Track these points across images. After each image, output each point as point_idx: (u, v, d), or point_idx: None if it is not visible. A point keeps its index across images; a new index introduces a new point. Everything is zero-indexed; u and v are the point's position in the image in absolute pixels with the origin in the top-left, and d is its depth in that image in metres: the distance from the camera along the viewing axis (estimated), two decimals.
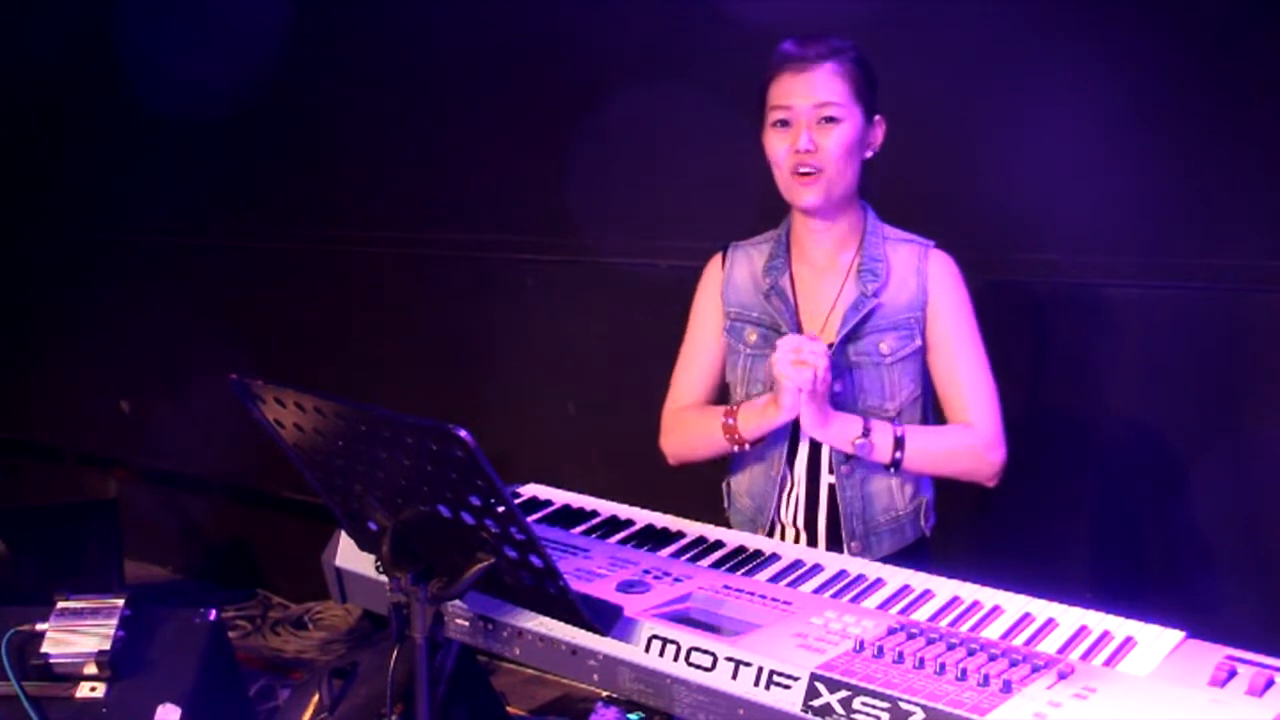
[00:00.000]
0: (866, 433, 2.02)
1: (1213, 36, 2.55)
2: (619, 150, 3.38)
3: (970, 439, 2.09)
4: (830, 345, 2.09)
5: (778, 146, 2.08)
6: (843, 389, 2.10)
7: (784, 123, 2.07)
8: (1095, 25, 2.66)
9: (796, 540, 2.18)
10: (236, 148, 4.25)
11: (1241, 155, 2.54)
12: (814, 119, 2.04)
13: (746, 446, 2.12)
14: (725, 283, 2.22)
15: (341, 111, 3.98)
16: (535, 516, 2.06)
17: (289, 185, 4.18)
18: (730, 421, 2.10)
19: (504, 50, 3.58)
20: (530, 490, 2.20)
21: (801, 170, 2.05)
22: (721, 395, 2.28)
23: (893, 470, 2.07)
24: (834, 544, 2.16)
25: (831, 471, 2.13)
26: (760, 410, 2.07)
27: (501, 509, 1.46)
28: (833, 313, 2.14)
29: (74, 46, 4.53)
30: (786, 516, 2.18)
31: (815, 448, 2.14)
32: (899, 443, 2.04)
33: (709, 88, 3.14)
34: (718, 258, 2.27)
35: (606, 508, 2.10)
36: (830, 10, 2.75)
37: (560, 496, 2.16)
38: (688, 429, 2.23)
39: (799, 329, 2.14)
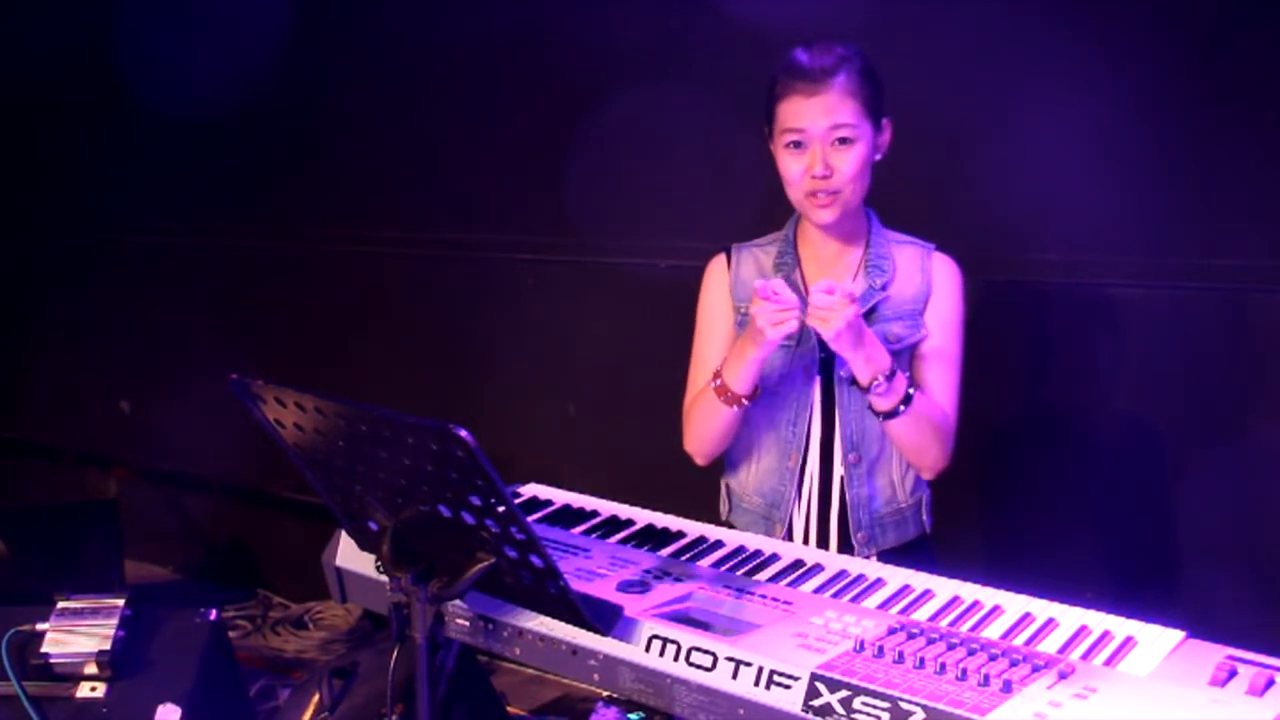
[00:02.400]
0: (892, 375, 2.01)
1: (1213, 37, 2.55)
2: (618, 150, 3.37)
3: (946, 417, 2.12)
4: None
5: (792, 168, 2.08)
6: (849, 375, 2.11)
7: (797, 144, 2.06)
8: (1096, 25, 2.66)
9: (807, 535, 2.18)
10: (236, 148, 4.25)
11: (1241, 155, 2.54)
12: (828, 141, 2.04)
13: (744, 402, 2.10)
14: (734, 281, 2.23)
15: (341, 111, 3.98)
16: (535, 516, 2.06)
17: (289, 185, 4.18)
18: (718, 383, 2.10)
19: (504, 50, 3.58)
20: (530, 490, 2.20)
21: (819, 193, 2.06)
22: None
23: (883, 417, 2.06)
24: (845, 537, 2.17)
25: (841, 463, 2.14)
26: (736, 352, 2.07)
27: (502, 509, 1.46)
28: None
29: (75, 46, 4.53)
30: (799, 511, 2.18)
31: (828, 441, 2.15)
32: (908, 399, 2.03)
33: (708, 88, 3.14)
34: (721, 257, 2.28)
35: (606, 508, 2.10)
36: (830, 11, 2.76)
37: (560, 496, 2.16)
38: (694, 413, 2.21)
39: None
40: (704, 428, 2.18)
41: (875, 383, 2.00)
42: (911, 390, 2.04)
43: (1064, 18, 2.69)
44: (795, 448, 2.16)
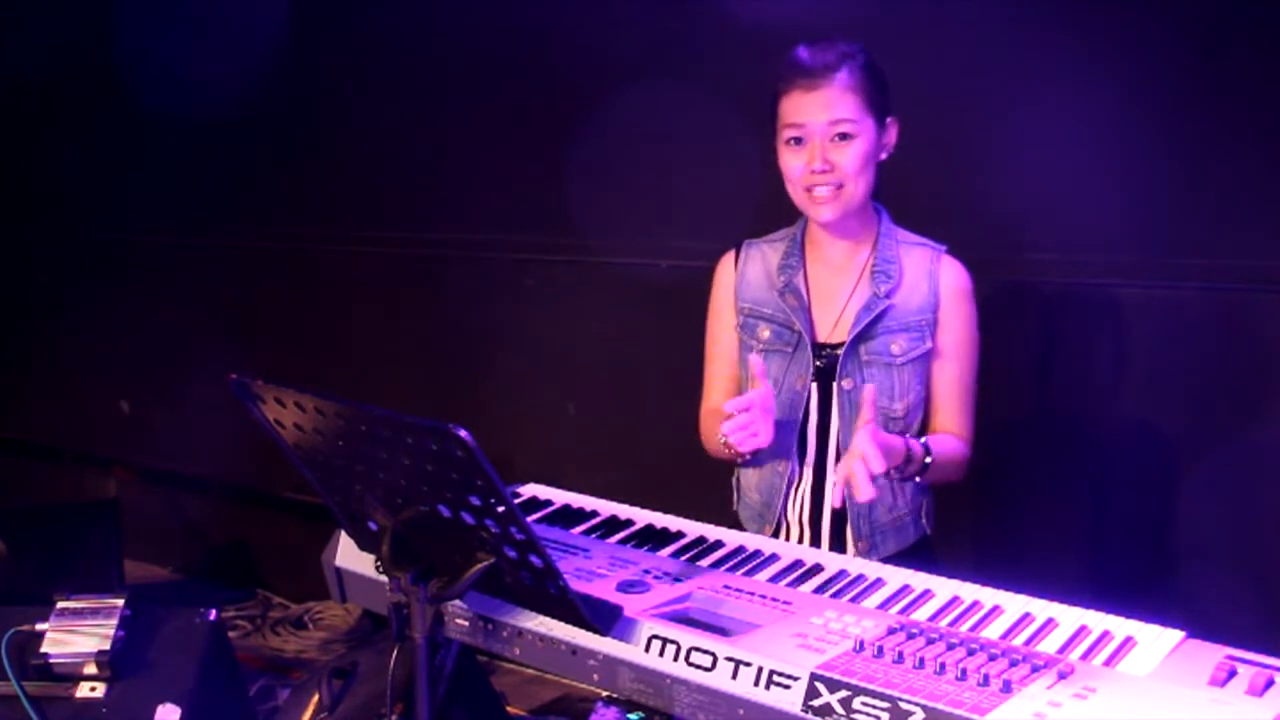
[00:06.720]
0: (907, 459, 1.99)
1: (1214, 36, 2.55)
2: (619, 150, 3.37)
3: (963, 451, 2.15)
4: (842, 344, 2.12)
5: (792, 164, 2.08)
6: (854, 387, 2.11)
7: (797, 140, 2.07)
8: (1098, 26, 2.66)
9: (801, 537, 2.19)
10: (236, 148, 4.25)
11: (1241, 155, 2.54)
12: (827, 136, 2.04)
13: (749, 457, 2.15)
14: (739, 280, 2.23)
15: (342, 111, 3.98)
16: (535, 516, 2.06)
17: (289, 185, 4.18)
18: (724, 439, 2.08)
19: (505, 50, 3.58)
20: (530, 490, 2.20)
21: (818, 188, 2.06)
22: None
23: (917, 478, 2.07)
24: (838, 541, 2.17)
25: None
26: None
27: (501, 509, 1.46)
28: (845, 312, 2.15)
29: (74, 46, 4.53)
30: (793, 513, 2.19)
31: (823, 445, 2.15)
32: (924, 468, 2.03)
33: (709, 88, 3.14)
34: (730, 255, 2.28)
35: (606, 508, 2.10)
36: (834, 10, 2.76)
37: (560, 496, 2.16)
38: (706, 437, 2.26)
39: (812, 327, 2.16)
40: (715, 454, 2.22)
41: (895, 468, 1.99)
42: (929, 459, 2.01)
43: (1064, 18, 2.69)
44: (787, 450, 2.17)
